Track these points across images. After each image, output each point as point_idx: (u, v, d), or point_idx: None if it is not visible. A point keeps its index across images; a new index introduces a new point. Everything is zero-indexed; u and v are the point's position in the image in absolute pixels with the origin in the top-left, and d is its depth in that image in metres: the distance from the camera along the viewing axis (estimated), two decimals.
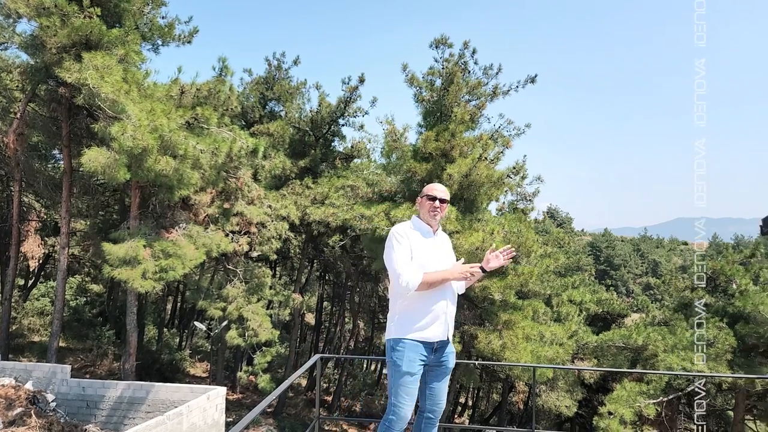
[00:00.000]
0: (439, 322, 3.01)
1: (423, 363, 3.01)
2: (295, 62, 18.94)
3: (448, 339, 3.09)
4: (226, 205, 14.61)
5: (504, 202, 17.27)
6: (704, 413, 14.05)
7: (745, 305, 12.50)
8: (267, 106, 18.87)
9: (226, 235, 14.40)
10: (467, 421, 24.83)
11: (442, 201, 3.14)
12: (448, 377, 3.20)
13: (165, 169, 10.82)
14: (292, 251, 21.65)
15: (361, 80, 17.20)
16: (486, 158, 12.80)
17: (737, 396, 12.73)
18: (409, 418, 3.03)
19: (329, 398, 22.90)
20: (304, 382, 24.37)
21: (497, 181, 12.97)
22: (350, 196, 15.19)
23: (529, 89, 14.07)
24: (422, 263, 2.98)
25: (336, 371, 25.48)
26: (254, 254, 15.91)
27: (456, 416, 24.89)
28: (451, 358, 3.14)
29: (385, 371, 30.49)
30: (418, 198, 3.24)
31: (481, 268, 3.08)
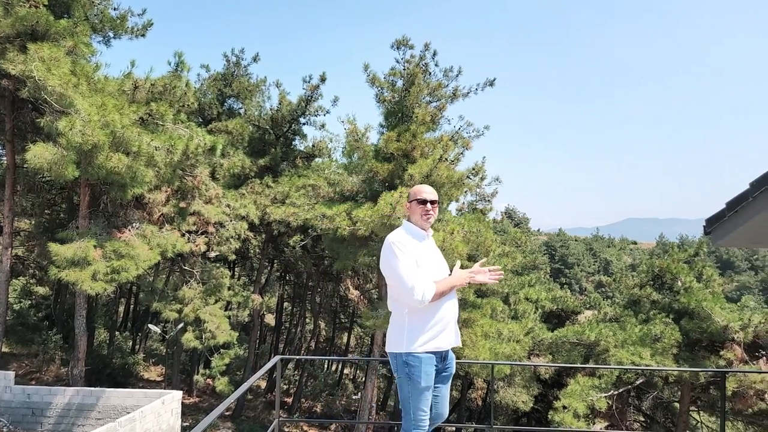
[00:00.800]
0: (449, 328, 2.96)
1: (436, 372, 2.97)
2: (255, 59, 18.63)
3: (458, 342, 3.05)
4: (183, 204, 14.21)
5: (464, 203, 17.56)
6: (652, 405, 14.70)
7: (689, 302, 13.16)
8: (225, 104, 18.47)
9: (183, 235, 14.01)
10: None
11: (432, 203, 3.04)
12: (450, 382, 3.18)
13: (117, 166, 10.41)
14: (252, 251, 21.28)
15: (323, 79, 17.09)
16: (446, 159, 12.97)
17: (683, 388, 13.38)
18: (426, 429, 3.00)
19: (290, 400, 22.65)
20: (263, 384, 24.00)
21: (457, 182, 13.15)
22: (311, 196, 15.07)
23: (487, 90, 14.36)
24: (428, 270, 2.91)
25: (297, 372, 25.23)
26: (212, 254, 15.55)
27: None
28: (453, 363, 3.12)
29: (346, 371, 30.43)
30: (406, 203, 3.14)
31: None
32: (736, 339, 11.89)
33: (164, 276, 17.45)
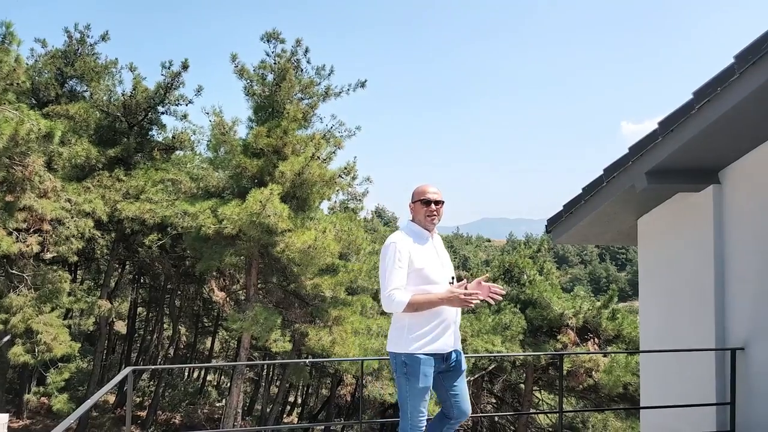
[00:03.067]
0: (449, 332, 2.89)
1: (436, 373, 2.91)
2: (104, 38, 16.61)
3: (457, 348, 2.99)
4: (10, 198, 12.16)
5: (335, 201, 17.60)
6: (502, 387, 16.16)
7: (533, 293, 14.73)
8: (66, 85, 16.23)
9: (9, 233, 12.01)
10: (296, 419, 24.78)
11: (437, 203, 2.95)
12: (465, 377, 3.10)
13: None
14: (99, 252, 19.02)
15: (185, 66, 15.84)
16: (319, 157, 12.88)
17: (527, 371, 14.92)
18: (423, 429, 2.96)
19: (143, 413, 20.74)
20: (112, 399, 21.65)
21: (329, 181, 13.14)
22: (171, 191, 13.94)
23: (359, 91, 14.56)
24: (425, 273, 2.83)
25: (152, 383, 23.18)
26: (48, 256, 13.55)
27: (285, 415, 24.65)
28: (463, 359, 3.04)
29: (210, 377, 28.77)
30: (410, 203, 3.02)
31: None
32: (570, 324, 13.59)
33: None
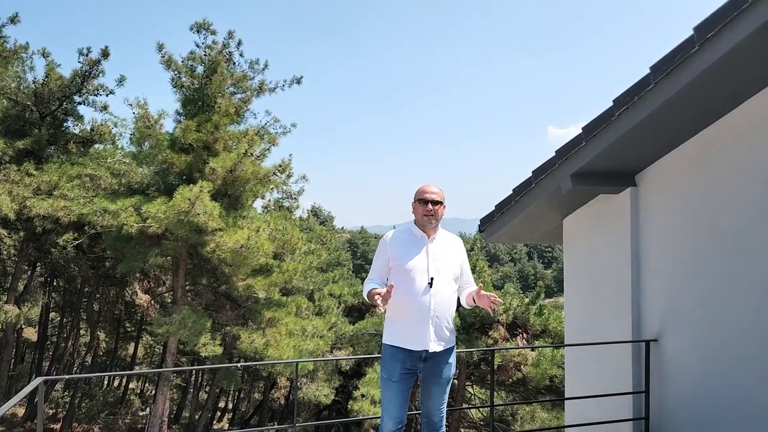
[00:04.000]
0: (420, 332, 2.91)
1: (409, 371, 2.96)
2: (13, 20, 15.20)
3: (439, 351, 2.97)
4: None
5: (270, 200, 17.15)
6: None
7: None
8: None
9: None
10: (227, 425, 23.99)
11: (434, 203, 2.98)
12: (447, 387, 3.10)
13: None
14: (5, 252, 17.44)
15: (105, 54, 14.80)
16: (252, 154, 12.51)
17: (460, 367, 15.30)
18: (398, 418, 3.01)
19: (57, 426, 19.26)
20: (21, 412, 19.94)
21: (263, 178, 12.79)
22: (89, 187, 13.01)
23: (295, 88, 14.29)
24: (403, 271, 2.93)
25: (68, 393, 21.58)
26: None
27: (215, 422, 23.78)
28: (446, 369, 3.04)
29: (132, 385, 27.23)
30: (412, 202, 3.08)
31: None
32: (501, 321, 14.06)
33: None
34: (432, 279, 2.95)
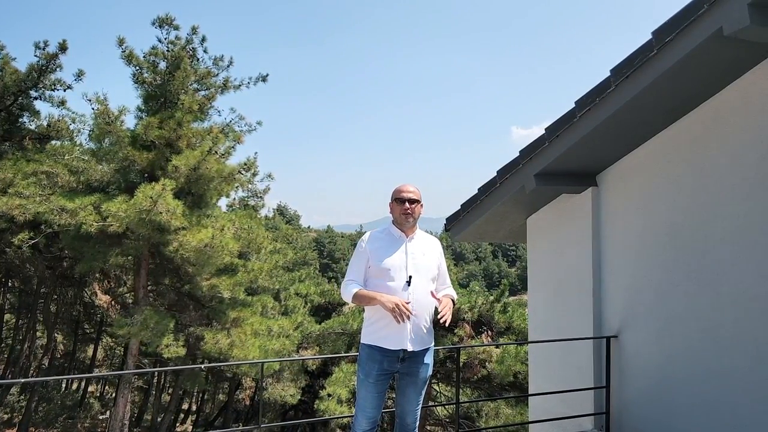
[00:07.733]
0: (397, 332, 2.91)
1: (386, 372, 2.96)
2: None
3: (417, 351, 2.97)
4: None
5: (235, 199, 16.87)
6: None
7: None
8: None
9: None
10: (191, 427, 23.47)
11: (411, 202, 3.00)
12: (423, 387, 3.10)
13: None
14: None
15: (63, 48, 14.24)
16: (216, 152, 12.26)
17: None
18: (372, 418, 3.03)
19: (12, 431, 18.46)
20: None
21: (228, 177, 12.55)
22: (46, 185, 12.49)
23: (260, 87, 14.08)
24: (381, 270, 2.93)
25: (24, 397, 20.70)
26: None
27: (178, 424, 23.24)
28: (423, 369, 3.04)
29: (91, 388, 26.33)
30: (389, 202, 3.10)
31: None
32: (466, 318, 14.22)
33: None
34: (410, 277, 2.95)
